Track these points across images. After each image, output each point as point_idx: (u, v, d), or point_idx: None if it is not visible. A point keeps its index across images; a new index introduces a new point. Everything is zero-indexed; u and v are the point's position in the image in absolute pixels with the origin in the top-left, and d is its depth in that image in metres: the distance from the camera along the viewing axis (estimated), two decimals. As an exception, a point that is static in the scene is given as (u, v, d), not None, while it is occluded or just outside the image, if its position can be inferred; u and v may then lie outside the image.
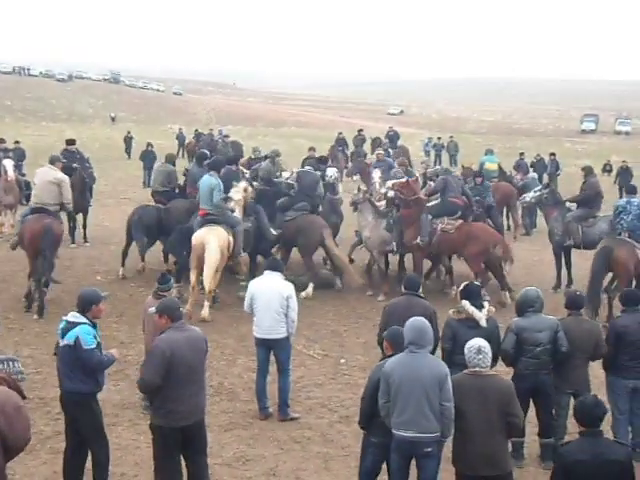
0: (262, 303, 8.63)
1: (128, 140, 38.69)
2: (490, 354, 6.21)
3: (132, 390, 8.99)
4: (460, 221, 13.65)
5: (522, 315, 7.77)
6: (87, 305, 6.78)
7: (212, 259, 11.80)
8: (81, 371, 6.63)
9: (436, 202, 13.93)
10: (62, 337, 6.64)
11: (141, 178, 28.79)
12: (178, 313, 6.60)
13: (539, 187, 16.25)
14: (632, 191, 13.10)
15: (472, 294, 7.74)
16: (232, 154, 25.42)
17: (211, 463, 7.42)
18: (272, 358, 8.92)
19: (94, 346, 6.65)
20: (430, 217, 13.51)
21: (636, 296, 8.08)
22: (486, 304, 7.79)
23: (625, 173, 27.74)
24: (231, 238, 12.31)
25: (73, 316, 6.70)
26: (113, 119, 72.98)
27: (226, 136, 34.90)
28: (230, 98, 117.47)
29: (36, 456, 7.28)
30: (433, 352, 7.61)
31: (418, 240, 13.35)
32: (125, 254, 14.51)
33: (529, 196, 15.83)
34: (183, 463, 6.71)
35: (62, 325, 6.69)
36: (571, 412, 8.00)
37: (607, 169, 32.03)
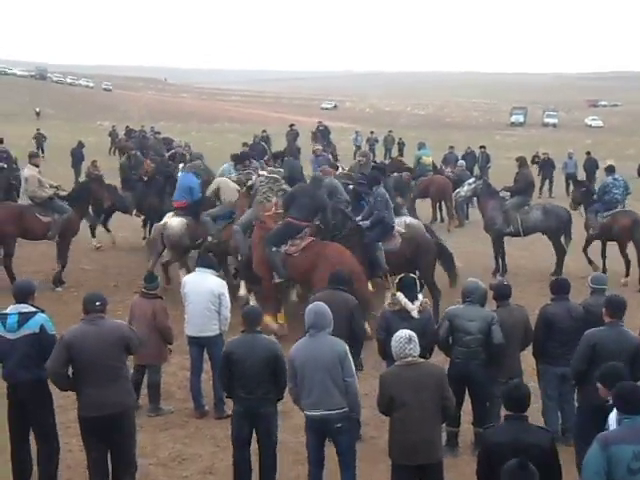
0: (193, 301, 8.56)
1: (39, 137, 36.20)
2: (418, 343, 6.29)
3: (63, 392, 8.78)
4: (308, 239, 11.23)
5: (462, 304, 7.92)
6: (29, 294, 6.95)
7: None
8: (40, 358, 6.70)
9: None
10: (17, 329, 6.68)
11: (71, 177, 28.04)
12: (92, 306, 6.62)
13: (472, 180, 16.48)
14: (613, 170, 14.99)
15: (407, 287, 7.87)
16: (164, 150, 25.55)
17: (146, 463, 7.33)
18: (207, 356, 8.84)
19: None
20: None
21: (567, 284, 8.26)
22: (420, 296, 7.90)
23: (547, 164, 28.42)
24: None
25: (23, 307, 6.78)
26: (38, 114, 71.29)
27: (157, 133, 34.51)
28: (162, 94, 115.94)
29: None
30: (360, 345, 7.90)
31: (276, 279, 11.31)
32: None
33: (463, 190, 16.09)
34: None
35: (15, 319, 6.70)
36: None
37: (536, 160, 32.71)
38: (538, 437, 5.24)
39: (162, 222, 13.48)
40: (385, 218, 11.61)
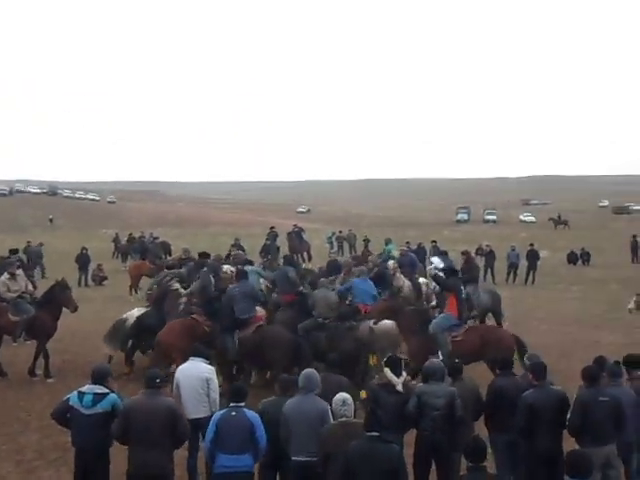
0: (185, 386, 8.36)
1: (27, 249, 30.86)
2: (352, 406, 6.74)
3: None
4: (466, 326, 11.60)
5: (426, 382, 7.83)
6: (106, 377, 7.29)
7: None
8: (107, 432, 7.00)
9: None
10: (92, 406, 6.99)
11: (76, 280, 27.56)
12: (152, 382, 7.00)
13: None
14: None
15: (393, 364, 7.98)
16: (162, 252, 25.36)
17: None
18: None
19: None
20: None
21: (510, 362, 8.41)
22: (404, 373, 8.01)
23: (490, 255, 28.83)
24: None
25: (98, 388, 7.11)
26: (51, 220, 71.81)
27: (156, 238, 34.60)
28: (161, 204, 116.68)
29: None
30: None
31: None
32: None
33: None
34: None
35: (90, 398, 7.02)
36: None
37: (479, 252, 33.20)
38: None
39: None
40: (234, 312, 11.87)
